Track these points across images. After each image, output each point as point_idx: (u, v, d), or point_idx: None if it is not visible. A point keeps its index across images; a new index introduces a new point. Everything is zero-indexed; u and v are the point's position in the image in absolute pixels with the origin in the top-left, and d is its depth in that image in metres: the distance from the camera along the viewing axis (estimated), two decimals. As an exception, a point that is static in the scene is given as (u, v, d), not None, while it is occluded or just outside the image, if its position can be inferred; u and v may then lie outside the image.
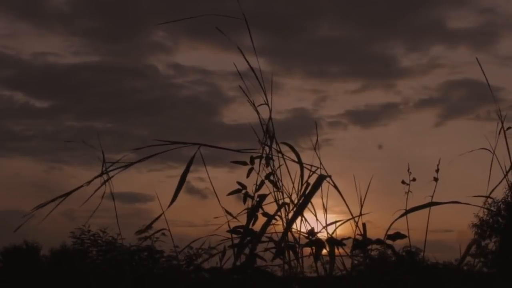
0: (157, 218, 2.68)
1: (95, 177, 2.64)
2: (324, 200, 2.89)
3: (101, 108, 36.61)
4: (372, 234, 2.90)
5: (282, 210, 2.85)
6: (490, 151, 2.64)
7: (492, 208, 18.55)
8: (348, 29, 35.50)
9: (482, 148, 2.69)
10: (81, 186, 2.60)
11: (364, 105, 37.57)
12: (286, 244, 2.83)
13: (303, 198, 2.65)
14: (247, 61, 2.82)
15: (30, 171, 35.84)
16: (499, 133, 2.62)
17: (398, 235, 2.76)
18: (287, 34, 33.88)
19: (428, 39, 36.56)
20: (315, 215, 2.87)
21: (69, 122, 36.29)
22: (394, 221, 2.65)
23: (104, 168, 2.69)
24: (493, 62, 32.23)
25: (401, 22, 34.30)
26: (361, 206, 2.84)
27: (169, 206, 2.64)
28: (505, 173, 2.59)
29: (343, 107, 42.31)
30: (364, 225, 2.82)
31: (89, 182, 2.62)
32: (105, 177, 2.66)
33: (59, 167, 35.92)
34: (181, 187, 2.62)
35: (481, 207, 2.64)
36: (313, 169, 2.81)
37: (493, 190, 2.59)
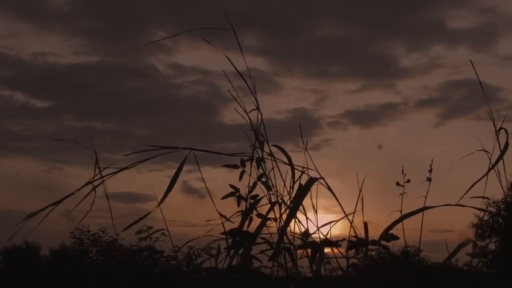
0: (144, 216, 2.70)
1: (86, 184, 2.66)
2: (323, 201, 2.90)
3: (101, 108, 36.69)
4: (371, 234, 2.90)
5: (276, 211, 2.86)
6: (487, 153, 2.64)
7: (486, 209, 18.53)
8: (348, 29, 35.55)
9: (480, 150, 2.69)
10: (72, 194, 2.62)
11: (364, 105, 37.65)
12: (282, 246, 2.84)
13: (293, 200, 2.67)
14: (235, 68, 2.85)
15: (30, 171, 35.90)
16: (498, 135, 2.63)
17: (391, 237, 2.77)
18: (287, 34, 33.93)
19: (428, 39, 36.62)
20: (306, 217, 2.88)
21: (69, 122, 36.37)
22: (389, 228, 2.65)
23: (96, 172, 2.71)
24: (493, 62, 32.31)
25: (401, 22, 34.35)
26: (356, 206, 2.85)
27: (157, 206, 2.67)
28: (498, 174, 2.60)
29: (343, 107, 42.42)
30: (365, 224, 2.83)
31: (79, 189, 2.64)
32: (96, 182, 2.68)
33: (59, 167, 36.00)
34: (171, 188, 2.64)
35: (474, 207, 2.64)
36: (305, 170, 2.81)
37: (468, 190, 2.59)
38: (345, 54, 35.76)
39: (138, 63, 37.51)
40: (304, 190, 2.51)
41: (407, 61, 37.45)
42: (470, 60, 2.66)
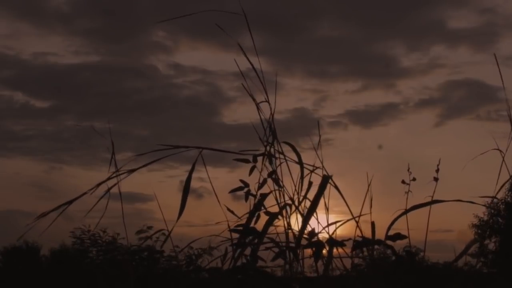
0: (159, 230, 2.70)
1: (99, 184, 2.66)
2: (326, 201, 2.89)
3: (101, 108, 36.66)
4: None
5: (284, 210, 2.85)
6: (500, 152, 2.64)
7: (495, 208, 18.57)
8: (349, 29, 35.57)
9: (495, 149, 2.69)
10: (85, 193, 2.62)
11: (364, 105, 37.66)
12: (287, 246, 2.83)
13: (308, 200, 2.65)
14: (248, 59, 2.82)
15: (30, 171, 35.92)
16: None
17: (398, 236, 2.76)
18: (288, 34, 33.94)
19: (428, 39, 36.67)
20: (316, 217, 2.87)
21: (69, 122, 36.34)
22: (395, 220, 2.65)
23: (112, 173, 2.71)
24: (493, 62, 32.18)
25: (401, 22, 34.39)
26: (362, 207, 2.84)
27: (178, 219, 2.67)
28: (510, 174, 2.59)
29: (343, 107, 42.43)
30: (373, 224, 2.82)
31: (92, 190, 2.64)
32: (109, 183, 2.68)
33: (59, 167, 36.02)
34: (187, 195, 2.65)
35: (484, 205, 2.64)
36: (314, 169, 2.80)
37: (499, 190, 2.59)
38: (345, 54, 35.82)
39: (138, 63, 37.56)
40: (321, 189, 2.51)
41: (407, 61, 37.60)
42: (494, 54, 2.67)
